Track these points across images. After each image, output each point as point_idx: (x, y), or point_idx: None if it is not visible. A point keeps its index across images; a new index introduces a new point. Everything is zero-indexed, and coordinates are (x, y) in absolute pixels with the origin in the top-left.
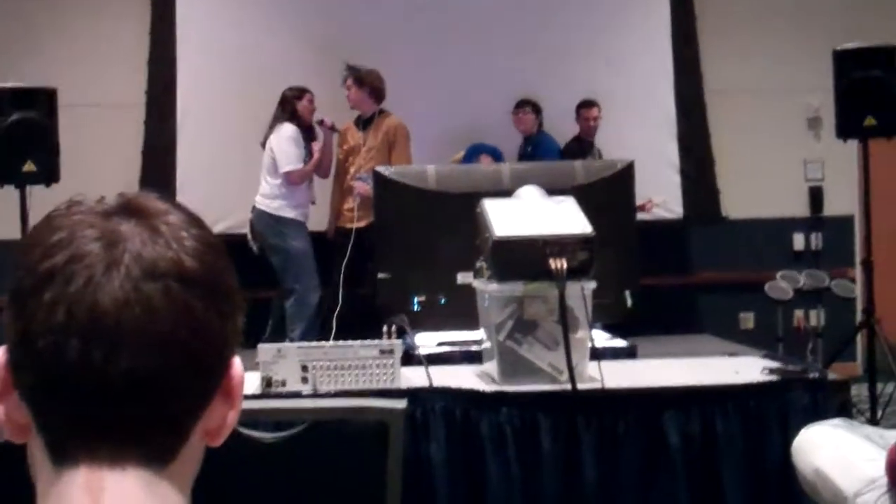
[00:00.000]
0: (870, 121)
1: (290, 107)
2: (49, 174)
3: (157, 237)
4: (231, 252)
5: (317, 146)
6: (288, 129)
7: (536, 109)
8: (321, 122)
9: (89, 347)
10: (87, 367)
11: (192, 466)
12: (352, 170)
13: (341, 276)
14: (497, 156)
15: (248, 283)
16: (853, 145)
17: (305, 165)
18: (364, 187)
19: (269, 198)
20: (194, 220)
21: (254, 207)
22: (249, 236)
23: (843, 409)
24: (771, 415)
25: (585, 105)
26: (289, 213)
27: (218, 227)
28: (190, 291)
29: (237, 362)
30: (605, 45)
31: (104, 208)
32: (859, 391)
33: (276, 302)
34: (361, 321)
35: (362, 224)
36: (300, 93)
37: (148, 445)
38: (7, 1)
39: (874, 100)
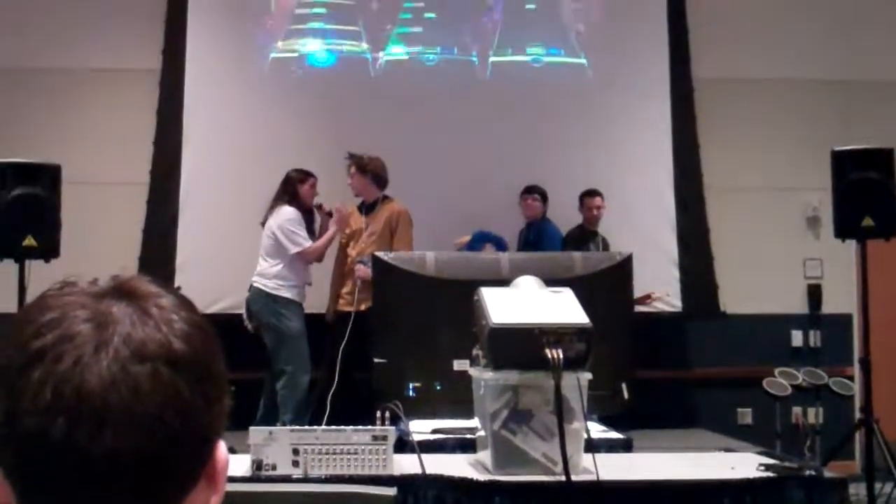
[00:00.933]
0: (867, 221)
1: (292, 188)
2: (49, 250)
3: (147, 319)
4: (229, 332)
5: (318, 226)
6: (289, 212)
7: (544, 197)
8: (319, 207)
9: (75, 427)
10: (72, 447)
11: None
12: (353, 254)
13: (338, 359)
14: (501, 246)
15: (243, 363)
16: (852, 244)
17: (317, 241)
18: (365, 270)
19: (266, 277)
20: (185, 304)
21: (251, 286)
22: (245, 315)
23: None
24: None
25: (589, 194)
26: (286, 294)
27: (216, 307)
28: (178, 374)
29: (222, 446)
30: (607, 139)
31: (97, 290)
32: (857, 490)
33: (268, 383)
34: (357, 406)
35: (362, 308)
36: (305, 176)
37: None
38: (16, 77)
39: (872, 201)
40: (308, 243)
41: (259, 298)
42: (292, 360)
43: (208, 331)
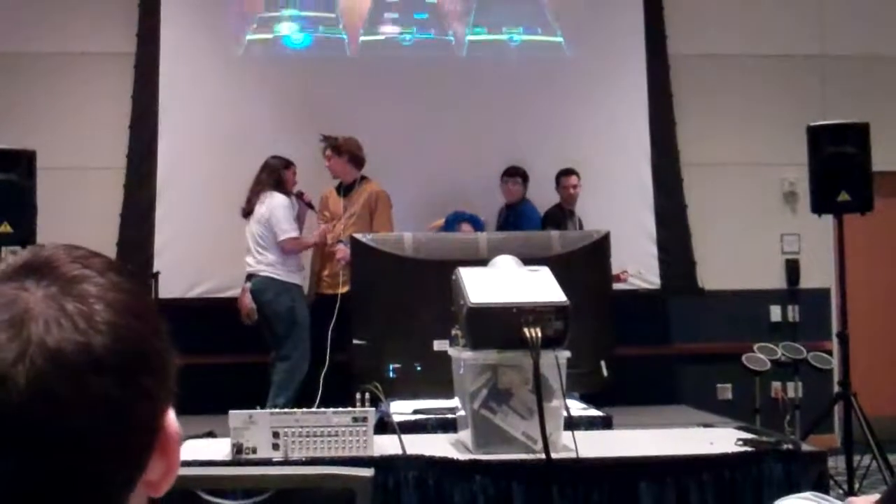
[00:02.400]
0: (844, 196)
1: (277, 175)
2: (25, 236)
3: (63, 316)
4: (207, 316)
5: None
6: (281, 199)
7: (525, 179)
8: (300, 195)
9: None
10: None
11: None
12: (329, 237)
13: (328, 341)
14: (477, 224)
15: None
16: (829, 219)
17: (303, 238)
18: (345, 251)
19: (272, 265)
20: (113, 281)
21: (254, 275)
22: (249, 304)
23: (820, 482)
24: (746, 486)
25: (565, 173)
26: (296, 280)
27: (194, 292)
28: (106, 378)
29: (171, 417)
30: (584, 117)
31: (9, 268)
32: (836, 463)
33: (273, 367)
34: (337, 387)
35: (345, 290)
36: (286, 164)
37: None
38: None
39: (848, 176)
40: (296, 234)
41: (271, 287)
42: (298, 347)
43: (141, 308)
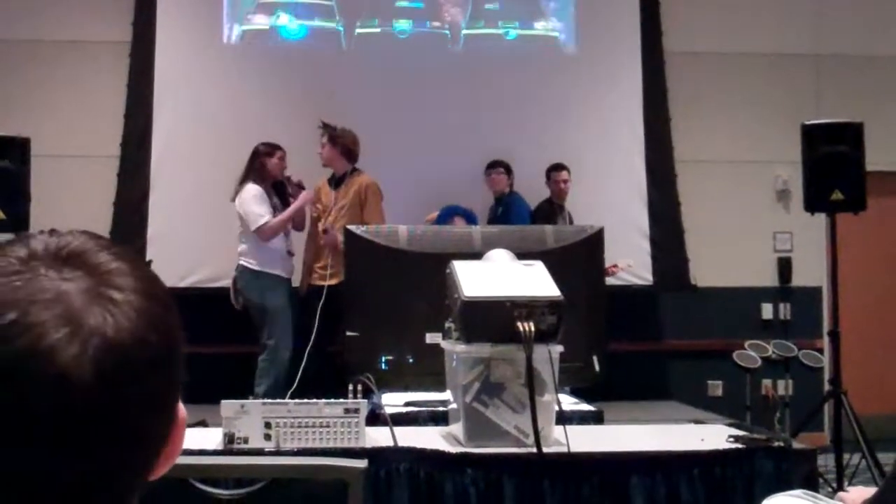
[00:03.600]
0: (837, 195)
1: (259, 163)
2: (18, 222)
3: (110, 305)
4: (200, 306)
5: (294, 201)
6: (250, 190)
7: (508, 170)
8: (289, 179)
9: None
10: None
11: None
12: (319, 226)
13: (314, 333)
14: (471, 218)
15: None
16: (821, 217)
17: (276, 218)
18: (331, 237)
19: (246, 255)
20: (143, 275)
21: (237, 265)
22: (231, 293)
23: (810, 479)
24: (736, 483)
25: (555, 168)
26: (268, 269)
27: (187, 281)
28: (159, 374)
29: (179, 406)
30: (579, 112)
31: (44, 258)
32: (826, 461)
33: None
34: (329, 379)
35: (334, 282)
36: (272, 149)
37: None
38: None
39: (841, 175)
40: (264, 219)
41: (244, 276)
42: (274, 335)
43: (169, 300)
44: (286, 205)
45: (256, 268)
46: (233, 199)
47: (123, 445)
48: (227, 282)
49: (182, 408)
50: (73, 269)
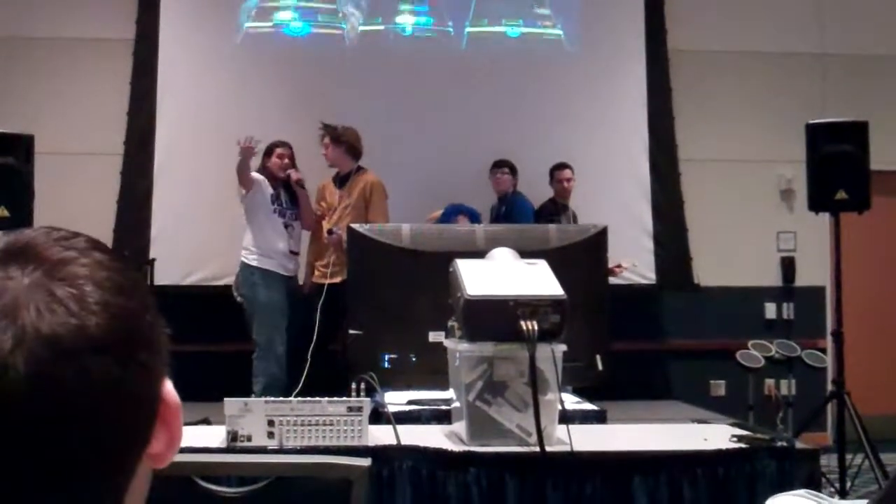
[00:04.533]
0: (841, 195)
1: (261, 162)
2: (22, 220)
3: (54, 301)
4: (203, 304)
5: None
6: None
7: (513, 170)
8: (288, 177)
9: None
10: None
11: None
12: (326, 226)
13: (315, 331)
14: (474, 217)
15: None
16: (825, 217)
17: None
18: (336, 237)
19: (245, 249)
20: (99, 260)
21: (241, 260)
22: (234, 288)
23: (812, 479)
24: (739, 482)
25: (559, 167)
26: (262, 264)
27: (190, 279)
28: (107, 357)
29: (169, 387)
30: (583, 111)
31: (2, 253)
32: (829, 461)
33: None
34: (332, 377)
35: (337, 280)
36: (271, 148)
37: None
38: None
39: (846, 174)
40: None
41: (241, 270)
42: (262, 332)
43: (129, 284)
44: (295, 203)
45: (251, 262)
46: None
47: (78, 435)
48: (229, 280)
49: (172, 391)
50: (23, 263)
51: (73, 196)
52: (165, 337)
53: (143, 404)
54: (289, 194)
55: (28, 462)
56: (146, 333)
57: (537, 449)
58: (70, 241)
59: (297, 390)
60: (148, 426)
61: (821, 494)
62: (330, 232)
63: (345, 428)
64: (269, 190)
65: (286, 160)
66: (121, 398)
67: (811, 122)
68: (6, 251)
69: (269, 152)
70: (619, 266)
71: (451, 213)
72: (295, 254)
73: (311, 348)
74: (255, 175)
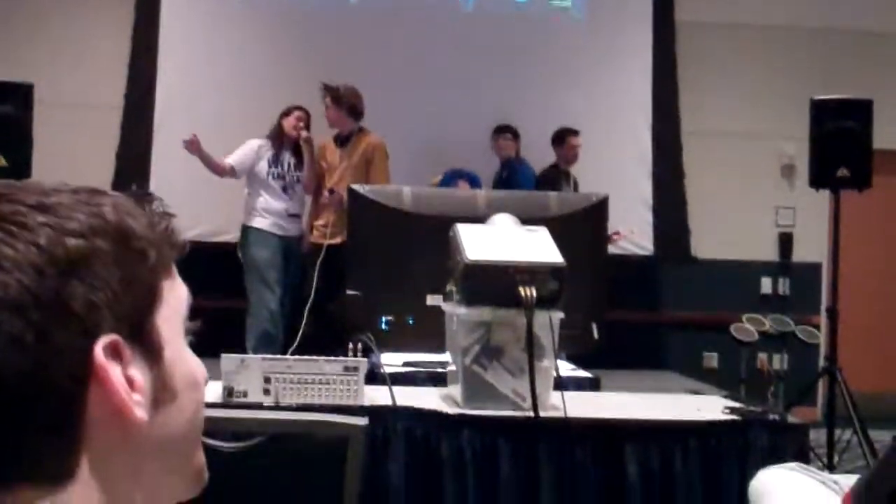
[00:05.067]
0: (842, 172)
1: (278, 121)
2: (20, 169)
3: None
4: (201, 259)
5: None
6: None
7: (515, 135)
8: (298, 139)
9: None
10: None
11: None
12: (328, 186)
13: (312, 290)
14: (475, 182)
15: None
16: (826, 194)
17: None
18: (337, 196)
19: (244, 208)
20: (21, 222)
21: None
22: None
23: (801, 453)
24: (730, 453)
25: (572, 133)
26: (254, 223)
27: (190, 235)
28: (18, 316)
29: (97, 349)
30: (587, 79)
31: None
32: (818, 436)
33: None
34: (329, 337)
35: (336, 241)
36: (289, 109)
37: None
38: None
39: (848, 151)
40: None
41: (241, 229)
42: (253, 289)
43: (45, 244)
44: (300, 164)
45: (246, 223)
46: None
47: None
48: (228, 237)
49: (102, 361)
50: None
51: (73, 146)
52: (107, 298)
53: (62, 365)
54: (297, 158)
55: None
56: (78, 298)
57: (531, 414)
58: (10, 196)
59: (292, 348)
60: (73, 388)
61: (810, 468)
62: (330, 191)
63: (341, 387)
64: (269, 152)
65: (301, 123)
66: (32, 357)
67: (816, 97)
68: None
69: (287, 112)
70: (616, 233)
71: (452, 178)
72: (295, 216)
73: (307, 306)
74: (234, 157)
